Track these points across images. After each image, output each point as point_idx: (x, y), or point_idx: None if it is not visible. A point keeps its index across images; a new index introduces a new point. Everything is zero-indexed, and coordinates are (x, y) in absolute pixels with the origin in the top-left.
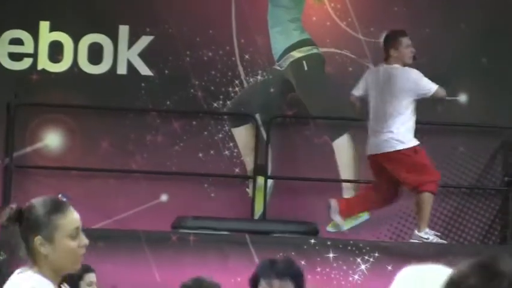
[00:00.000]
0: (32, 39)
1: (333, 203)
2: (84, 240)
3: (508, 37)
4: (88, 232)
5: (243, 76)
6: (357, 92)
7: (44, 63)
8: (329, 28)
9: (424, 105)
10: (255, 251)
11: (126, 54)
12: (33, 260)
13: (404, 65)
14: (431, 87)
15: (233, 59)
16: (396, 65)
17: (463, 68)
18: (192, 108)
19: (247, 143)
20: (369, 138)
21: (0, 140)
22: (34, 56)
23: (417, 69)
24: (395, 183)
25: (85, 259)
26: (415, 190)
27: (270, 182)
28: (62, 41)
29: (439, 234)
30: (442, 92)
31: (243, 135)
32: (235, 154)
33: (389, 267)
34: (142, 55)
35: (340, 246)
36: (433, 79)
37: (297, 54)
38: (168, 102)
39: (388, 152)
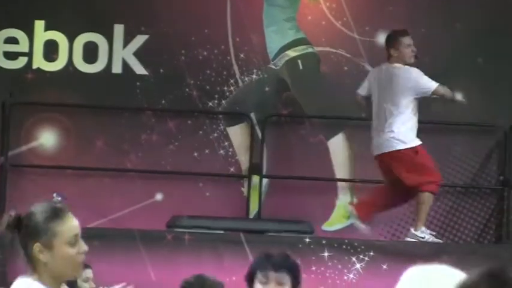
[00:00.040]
0: (27, 38)
1: (351, 209)
2: (83, 247)
3: (504, 37)
4: (83, 231)
5: (238, 75)
6: (362, 91)
7: (39, 62)
8: (324, 27)
9: (420, 105)
10: (249, 250)
11: (121, 53)
12: (33, 267)
13: (406, 64)
14: (431, 85)
15: (228, 58)
16: (397, 65)
17: (458, 67)
18: (187, 107)
19: (242, 142)
20: (373, 138)
21: None
22: (29, 55)
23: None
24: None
25: None
26: (416, 190)
27: (265, 181)
28: (57, 40)
29: (434, 233)
30: (443, 90)
31: (238, 134)
32: (230, 153)
33: (385, 266)
34: (138, 54)
35: (335, 245)
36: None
37: (292, 53)
38: (163, 102)
39: (389, 152)
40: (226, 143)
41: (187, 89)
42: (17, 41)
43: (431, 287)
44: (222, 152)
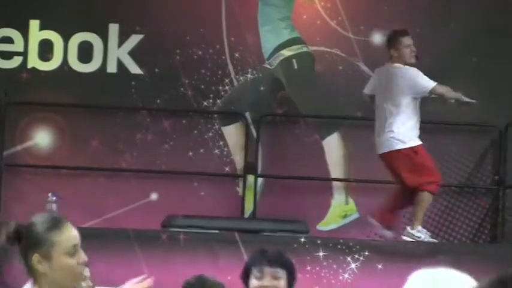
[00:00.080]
0: (22, 37)
1: (373, 221)
2: (83, 257)
3: (499, 36)
4: (78, 231)
5: (233, 74)
6: (367, 90)
7: (34, 61)
8: (319, 27)
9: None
10: (244, 249)
11: (116, 52)
12: (33, 278)
13: (406, 64)
14: (429, 84)
15: (223, 57)
16: (397, 65)
17: (454, 67)
18: (182, 106)
19: (237, 142)
20: (375, 138)
21: None
22: (24, 54)
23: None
24: None
25: None
26: (416, 190)
27: (260, 180)
28: (52, 40)
29: (429, 233)
30: (442, 90)
31: (233, 133)
32: (225, 153)
33: (380, 266)
34: (133, 54)
35: (330, 245)
36: None
37: (287, 52)
38: (158, 101)
39: (389, 152)
40: (221, 143)
41: (182, 89)
42: (12, 40)
43: None
44: (217, 151)
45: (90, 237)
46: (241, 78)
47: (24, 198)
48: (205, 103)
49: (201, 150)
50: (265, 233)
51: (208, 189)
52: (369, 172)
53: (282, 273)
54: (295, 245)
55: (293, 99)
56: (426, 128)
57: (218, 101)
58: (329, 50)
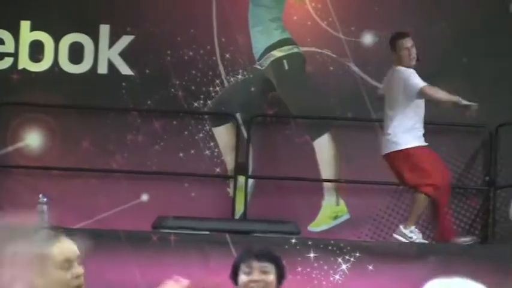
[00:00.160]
0: (12, 38)
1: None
2: (77, 270)
3: (489, 37)
4: (68, 232)
5: (223, 75)
6: (380, 90)
7: (24, 62)
8: (310, 27)
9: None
10: (235, 250)
11: (107, 53)
12: None
13: (407, 66)
14: (417, 86)
15: (214, 58)
16: (398, 67)
17: (444, 67)
18: (173, 107)
19: (228, 143)
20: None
21: None
22: (15, 55)
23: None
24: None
25: None
26: (415, 190)
27: (250, 181)
28: (43, 41)
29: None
30: (431, 92)
31: (223, 134)
32: (215, 154)
33: (371, 267)
34: (123, 54)
35: (321, 246)
36: None
37: (277, 53)
38: (148, 102)
39: (389, 153)
40: (211, 144)
41: (172, 90)
42: (3, 41)
43: None
44: (207, 152)
45: (80, 239)
46: (232, 79)
47: (15, 199)
48: (195, 104)
49: (192, 151)
50: (256, 234)
51: (199, 190)
52: (359, 173)
53: (270, 268)
54: (286, 246)
55: (284, 100)
56: None
57: (209, 101)
58: (320, 50)
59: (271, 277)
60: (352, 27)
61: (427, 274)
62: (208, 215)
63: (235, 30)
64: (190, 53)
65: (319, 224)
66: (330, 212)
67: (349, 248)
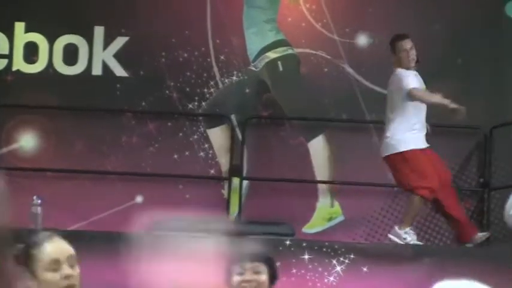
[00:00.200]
0: (7, 40)
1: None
2: (65, 271)
3: (484, 38)
4: (63, 234)
5: (218, 77)
6: None
7: (19, 64)
8: (304, 29)
9: None
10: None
11: (102, 55)
12: None
13: (407, 68)
14: (407, 86)
15: (208, 60)
16: (397, 69)
17: (438, 68)
18: (167, 109)
19: (223, 144)
20: None
21: None
22: (9, 57)
23: (391, 69)
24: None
25: None
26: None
27: (245, 183)
28: (37, 42)
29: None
30: (419, 93)
31: (218, 136)
32: (210, 155)
33: (365, 269)
34: (118, 56)
35: (316, 247)
36: None
37: (272, 55)
38: (143, 103)
39: (387, 156)
40: (206, 145)
41: (167, 91)
42: None
43: None
44: (202, 154)
45: (75, 240)
46: (226, 80)
47: (9, 200)
48: (190, 105)
49: (186, 153)
50: (250, 236)
51: (194, 192)
52: (354, 174)
53: (263, 268)
54: (281, 248)
55: (278, 102)
56: None
57: (203, 103)
58: (314, 52)
59: (264, 277)
60: (347, 29)
61: (422, 276)
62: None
63: (230, 32)
64: (185, 55)
65: (314, 226)
66: (325, 213)
67: (343, 249)
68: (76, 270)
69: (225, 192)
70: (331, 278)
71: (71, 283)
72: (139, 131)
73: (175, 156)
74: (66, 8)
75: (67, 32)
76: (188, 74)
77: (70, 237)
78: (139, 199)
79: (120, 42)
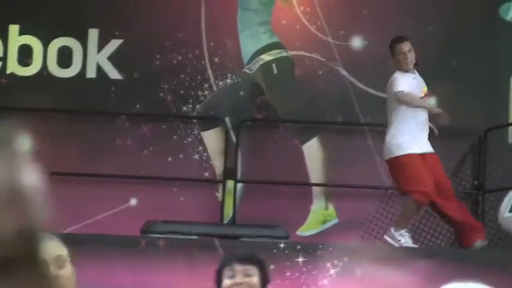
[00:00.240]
0: (1, 42)
1: (475, 246)
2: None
3: (479, 40)
4: (56, 237)
5: (212, 79)
6: None
7: (13, 66)
8: (298, 31)
9: None
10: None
11: (96, 57)
12: None
13: (405, 70)
14: (396, 89)
15: (202, 62)
16: (395, 72)
17: (432, 71)
18: (162, 112)
19: (217, 147)
20: None
21: None
22: (3, 59)
23: (385, 72)
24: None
25: None
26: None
27: (239, 185)
28: (31, 45)
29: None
30: (405, 97)
31: (212, 138)
32: (204, 158)
33: (359, 272)
34: (112, 59)
35: (310, 250)
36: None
37: (266, 57)
38: (137, 106)
39: (387, 160)
40: (200, 148)
41: (161, 94)
42: None
43: None
44: (196, 156)
45: (69, 244)
46: (220, 83)
47: None
48: (184, 108)
49: (181, 156)
50: (244, 239)
51: (188, 195)
52: (349, 177)
53: (253, 271)
54: (275, 251)
55: (273, 104)
56: None
57: (197, 106)
58: (308, 54)
59: (255, 280)
60: (341, 31)
61: (416, 278)
62: (197, 219)
63: (224, 34)
64: (179, 57)
65: (308, 229)
66: (319, 216)
67: (337, 252)
68: (65, 271)
69: (219, 194)
70: (325, 281)
71: (61, 284)
72: (133, 133)
73: (170, 158)
74: (60, 11)
75: (61, 34)
76: (182, 76)
77: (64, 240)
78: (133, 202)
79: (114, 44)
